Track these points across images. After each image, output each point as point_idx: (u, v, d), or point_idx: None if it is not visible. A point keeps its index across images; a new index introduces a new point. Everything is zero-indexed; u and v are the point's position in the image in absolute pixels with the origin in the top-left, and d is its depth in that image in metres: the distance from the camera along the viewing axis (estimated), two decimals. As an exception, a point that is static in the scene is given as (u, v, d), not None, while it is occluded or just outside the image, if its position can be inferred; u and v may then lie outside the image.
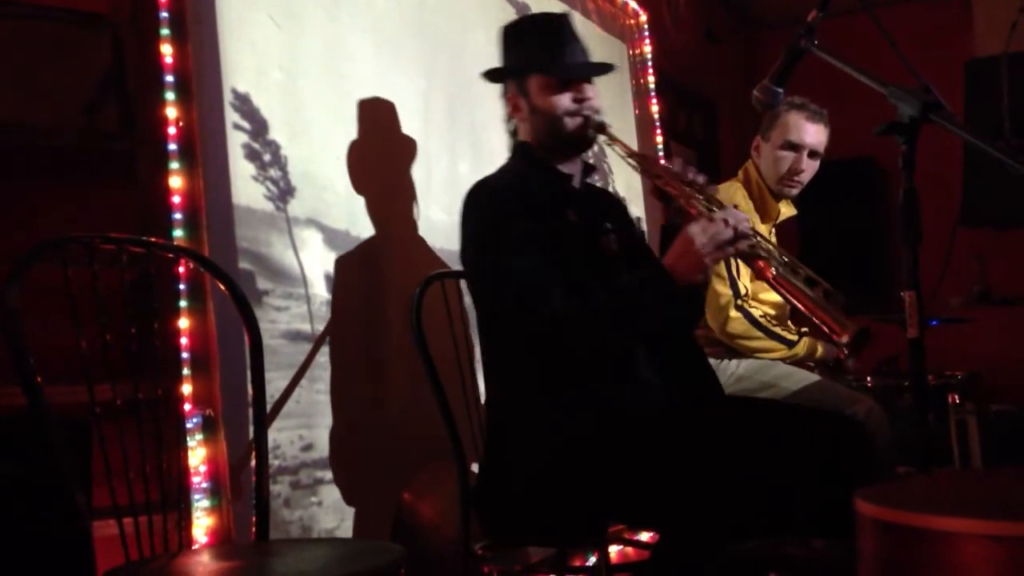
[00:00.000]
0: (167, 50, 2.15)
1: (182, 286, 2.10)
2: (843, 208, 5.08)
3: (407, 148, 2.73)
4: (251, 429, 1.92)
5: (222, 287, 1.94)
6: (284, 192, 2.36)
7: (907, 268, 1.64)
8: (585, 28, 3.88)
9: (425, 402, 2.25)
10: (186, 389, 2.07)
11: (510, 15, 3.08)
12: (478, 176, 2.13)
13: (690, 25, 5.37)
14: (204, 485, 2.05)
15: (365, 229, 2.56)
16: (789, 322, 2.96)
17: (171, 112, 2.14)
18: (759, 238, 1.96)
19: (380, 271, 2.58)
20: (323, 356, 2.39)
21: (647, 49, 4.27)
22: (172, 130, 2.13)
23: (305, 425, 2.31)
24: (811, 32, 1.86)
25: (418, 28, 2.85)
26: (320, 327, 2.39)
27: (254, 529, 1.84)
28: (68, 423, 1.63)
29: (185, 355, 2.08)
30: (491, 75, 2.22)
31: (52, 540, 1.78)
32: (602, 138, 2.11)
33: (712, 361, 2.78)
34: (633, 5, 4.27)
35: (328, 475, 2.34)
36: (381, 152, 2.68)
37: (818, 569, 1.86)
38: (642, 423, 1.85)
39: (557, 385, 1.91)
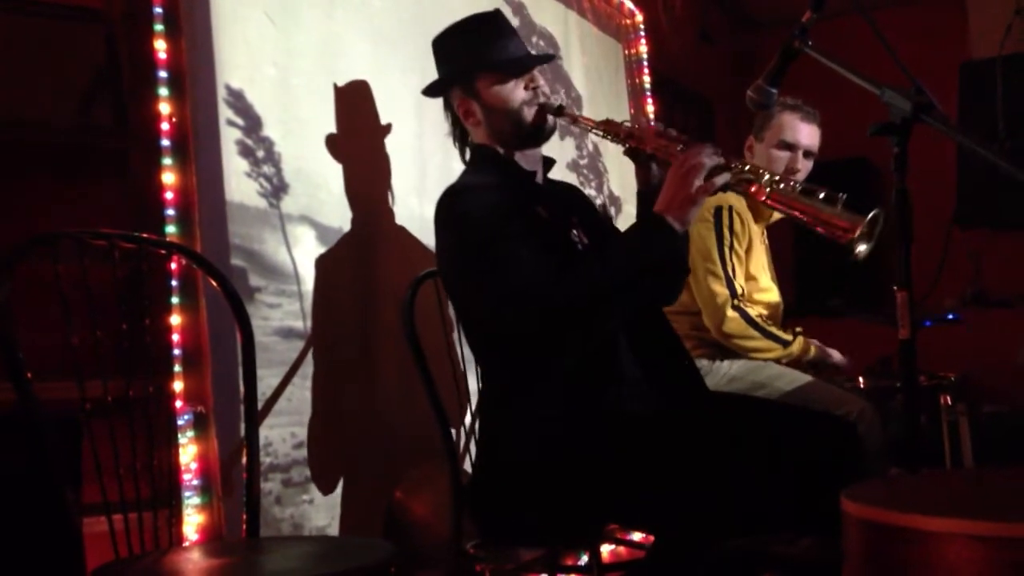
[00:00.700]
0: (161, 46, 2.14)
1: (174, 282, 2.09)
2: (837, 209, 5.07)
3: (387, 134, 2.73)
4: (243, 426, 1.92)
5: (214, 284, 1.94)
6: (277, 189, 2.36)
7: (899, 268, 1.65)
8: (581, 27, 3.88)
9: (417, 400, 2.25)
10: (177, 386, 2.06)
11: (506, 14, 3.07)
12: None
13: (685, 25, 5.37)
14: (195, 482, 2.04)
15: (358, 226, 2.56)
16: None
17: (164, 108, 2.13)
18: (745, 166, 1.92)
19: (371, 268, 2.58)
20: (316, 354, 2.38)
21: (643, 49, 4.27)
22: (165, 126, 2.13)
23: (297, 423, 2.31)
24: (805, 33, 1.86)
25: (413, 26, 2.85)
26: (312, 325, 2.39)
27: (244, 526, 1.84)
28: (58, 419, 1.63)
29: (177, 352, 2.08)
30: (432, 89, 2.21)
31: (42, 537, 1.78)
32: (563, 120, 2.11)
33: (705, 362, 2.79)
34: (629, 5, 4.27)
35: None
36: (370, 145, 2.67)
37: (806, 568, 1.86)
38: (633, 422, 1.85)
39: (547, 384, 1.91)
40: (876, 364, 3.66)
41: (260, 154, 2.33)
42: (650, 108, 4.22)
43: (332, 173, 2.52)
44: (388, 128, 2.70)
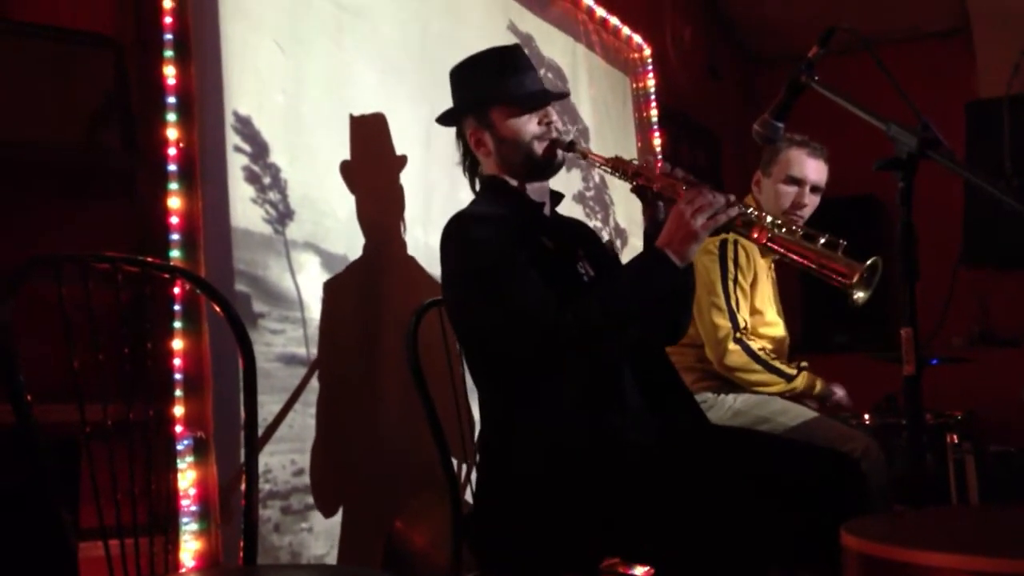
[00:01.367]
0: (170, 71, 2.16)
1: (177, 307, 2.09)
2: (843, 246, 5.07)
3: (403, 167, 2.74)
4: (242, 452, 1.91)
5: (217, 309, 1.93)
6: (283, 215, 2.36)
7: (904, 304, 1.64)
8: (589, 60, 3.90)
9: (419, 429, 2.23)
10: (178, 411, 2.05)
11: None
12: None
13: (693, 60, 5.40)
14: (193, 508, 2.03)
15: (368, 253, 2.56)
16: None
17: (172, 133, 2.14)
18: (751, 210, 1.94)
19: (376, 296, 2.58)
20: (318, 381, 2.37)
21: (651, 82, 4.29)
22: (173, 151, 2.14)
23: (298, 450, 2.29)
24: (811, 67, 1.87)
25: (421, 57, 2.87)
26: (315, 352, 2.38)
27: (242, 554, 1.82)
28: (57, 442, 1.62)
29: (178, 376, 2.07)
30: (446, 118, 2.23)
31: (37, 561, 1.76)
32: (572, 155, 2.13)
33: (709, 395, 2.77)
34: (638, 39, 4.30)
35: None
36: (386, 176, 2.68)
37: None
38: (635, 452, 1.84)
39: (548, 412, 1.90)
40: (883, 401, 3.64)
41: (266, 180, 2.33)
42: (657, 141, 4.24)
43: (338, 200, 2.52)
44: (404, 160, 2.71)
